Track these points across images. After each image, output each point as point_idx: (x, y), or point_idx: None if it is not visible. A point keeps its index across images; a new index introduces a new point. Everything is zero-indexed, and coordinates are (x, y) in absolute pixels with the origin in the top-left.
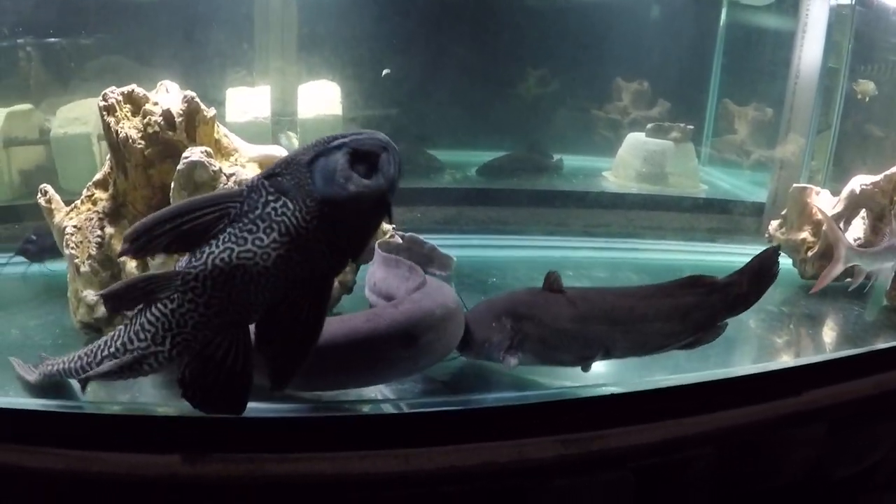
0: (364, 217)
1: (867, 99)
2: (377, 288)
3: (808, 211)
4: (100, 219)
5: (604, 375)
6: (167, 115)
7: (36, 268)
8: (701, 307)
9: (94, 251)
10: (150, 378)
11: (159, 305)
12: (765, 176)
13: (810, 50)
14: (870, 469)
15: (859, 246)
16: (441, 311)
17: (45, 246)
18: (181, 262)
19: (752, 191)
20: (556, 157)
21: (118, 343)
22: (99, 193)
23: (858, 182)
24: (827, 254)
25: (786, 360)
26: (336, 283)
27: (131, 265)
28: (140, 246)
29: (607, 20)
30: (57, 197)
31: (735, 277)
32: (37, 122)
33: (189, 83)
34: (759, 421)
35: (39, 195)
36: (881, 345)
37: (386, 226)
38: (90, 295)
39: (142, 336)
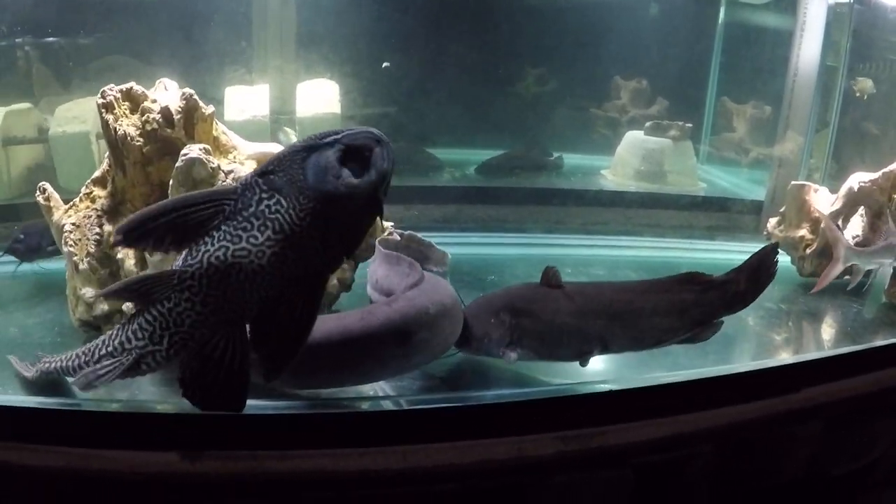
0: (357, 213)
1: (865, 97)
2: (379, 285)
3: (807, 208)
4: (98, 216)
5: (603, 372)
6: (166, 112)
7: (26, 267)
8: (698, 304)
9: (92, 249)
10: (149, 376)
11: (156, 304)
12: (763, 174)
13: (809, 48)
14: (869, 466)
15: (858, 243)
16: (436, 308)
17: (32, 245)
18: (177, 261)
19: (750, 189)
20: (556, 154)
21: (116, 342)
22: (97, 191)
23: (857, 179)
24: (825, 251)
25: (785, 357)
26: (335, 281)
27: (130, 263)
28: (132, 238)
29: (606, 19)
30: (56, 195)
31: (732, 275)
32: (35, 121)
33: (188, 82)
34: (759, 418)
35: (38, 193)
36: (880, 342)
37: (385, 223)
38: (89, 292)
39: (139, 335)
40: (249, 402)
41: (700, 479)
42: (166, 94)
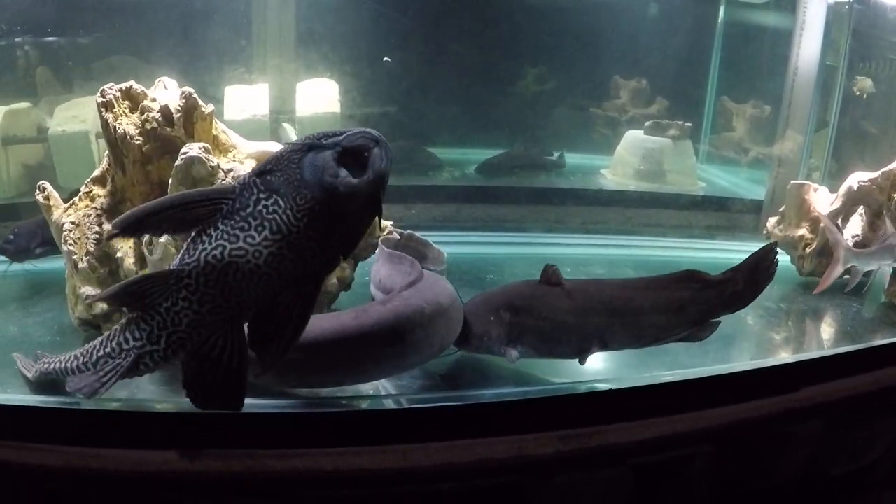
0: (355, 214)
1: (865, 96)
2: (382, 284)
3: (806, 208)
4: (98, 215)
5: (603, 371)
6: (165, 111)
7: (17, 267)
8: (695, 302)
9: (92, 247)
10: (147, 375)
11: (154, 304)
12: (763, 173)
13: (808, 47)
14: (868, 466)
15: (857, 243)
16: (431, 308)
17: (21, 246)
18: (175, 260)
19: (750, 188)
20: (558, 153)
21: (113, 343)
22: (97, 190)
23: (856, 179)
24: (825, 250)
25: (784, 357)
26: (334, 280)
27: (129, 262)
28: (129, 232)
29: (606, 18)
30: (55, 193)
31: (730, 274)
32: (35, 120)
33: (187, 81)
34: (758, 417)
35: (37, 192)
36: (879, 341)
37: (385, 222)
38: (88, 291)
39: (137, 335)
40: (248, 401)
41: (699, 478)
42: (166, 92)
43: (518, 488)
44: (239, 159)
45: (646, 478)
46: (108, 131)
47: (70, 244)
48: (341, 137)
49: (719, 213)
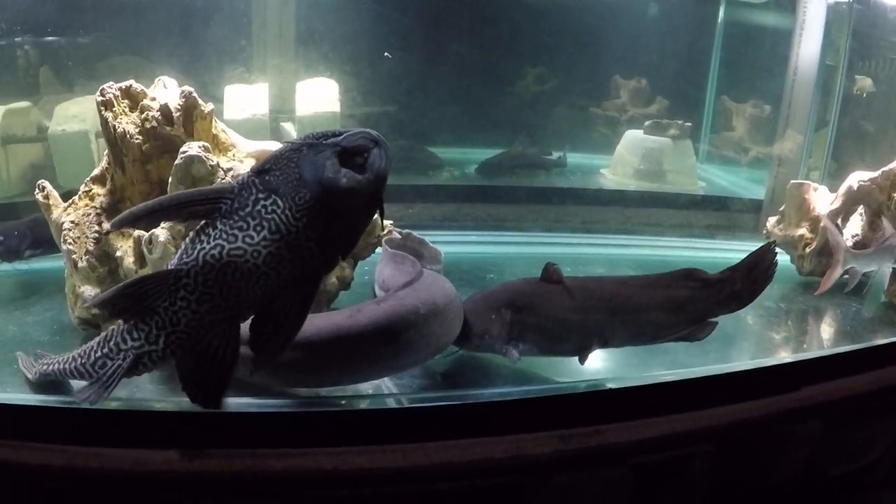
0: (353, 214)
1: (864, 96)
2: (386, 284)
3: (806, 207)
4: (97, 214)
5: (602, 370)
6: (165, 110)
7: (7, 267)
8: (694, 301)
9: (91, 247)
10: (147, 374)
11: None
12: (763, 173)
13: (808, 47)
14: (868, 466)
15: (857, 242)
16: (427, 307)
17: (12, 247)
18: (173, 260)
19: (749, 187)
20: (559, 153)
21: (111, 344)
22: (97, 189)
23: (856, 178)
24: (824, 250)
25: (784, 356)
26: (334, 279)
27: (129, 261)
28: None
29: (605, 17)
30: (55, 193)
31: (728, 274)
32: (34, 120)
33: (187, 81)
34: (758, 417)
35: (37, 191)
36: (879, 341)
37: (385, 222)
38: (88, 290)
39: (135, 335)
40: (249, 400)
41: (699, 478)
42: (165, 92)
43: (518, 488)
44: (238, 158)
45: (646, 477)
46: (107, 130)
47: (69, 243)
48: (341, 137)
49: (719, 213)
